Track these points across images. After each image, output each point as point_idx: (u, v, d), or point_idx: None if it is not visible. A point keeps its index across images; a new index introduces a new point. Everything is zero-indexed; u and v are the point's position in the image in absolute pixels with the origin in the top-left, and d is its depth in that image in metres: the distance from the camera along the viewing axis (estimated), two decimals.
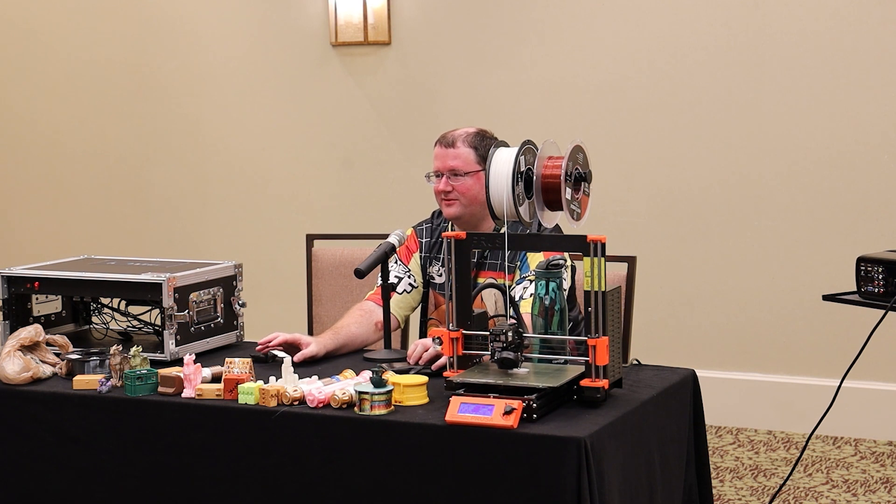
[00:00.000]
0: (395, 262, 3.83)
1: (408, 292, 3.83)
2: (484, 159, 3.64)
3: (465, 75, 5.94)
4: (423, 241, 3.86)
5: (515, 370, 2.95)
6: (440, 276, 3.81)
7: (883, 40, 5.27)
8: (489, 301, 3.67)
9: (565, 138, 3.14)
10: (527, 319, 3.24)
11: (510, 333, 2.93)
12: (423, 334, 3.90)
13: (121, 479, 3.20)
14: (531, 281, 3.55)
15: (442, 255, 3.79)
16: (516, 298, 3.57)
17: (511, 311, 3.18)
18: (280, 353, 3.50)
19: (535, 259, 3.60)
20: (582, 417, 2.85)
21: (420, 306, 3.91)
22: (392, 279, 3.78)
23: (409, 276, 3.84)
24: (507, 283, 3.63)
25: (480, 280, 3.71)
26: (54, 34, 6.75)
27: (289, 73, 6.28)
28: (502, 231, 3.10)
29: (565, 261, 3.19)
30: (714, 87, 5.54)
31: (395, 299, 3.79)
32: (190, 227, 6.57)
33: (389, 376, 3.03)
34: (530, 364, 3.04)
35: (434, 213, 3.90)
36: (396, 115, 6.10)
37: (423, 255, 3.85)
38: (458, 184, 3.66)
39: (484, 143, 3.68)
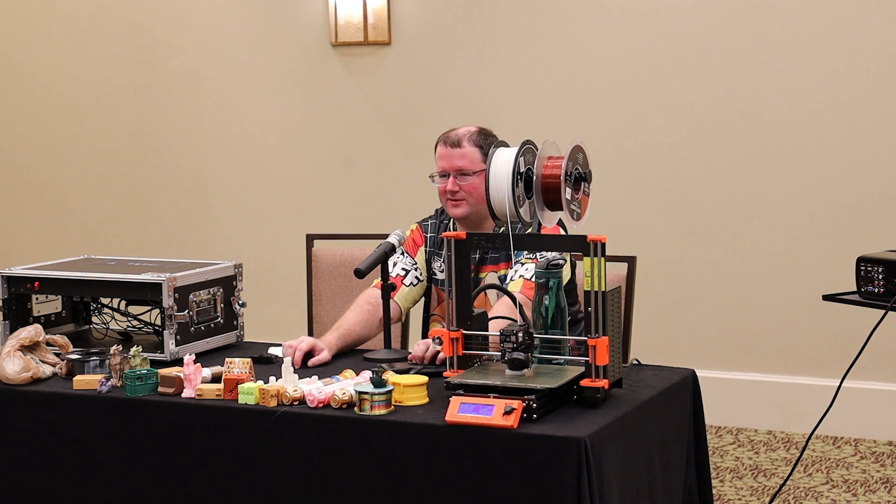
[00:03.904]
0: (402, 255, 3.85)
1: (413, 285, 3.84)
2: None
3: (465, 75, 5.95)
4: (428, 236, 3.87)
5: (515, 371, 2.95)
6: (442, 272, 3.82)
7: (883, 40, 5.27)
8: (492, 298, 3.68)
9: (565, 138, 3.14)
10: (519, 299, 3.27)
11: (520, 334, 2.93)
12: (425, 329, 3.92)
13: (121, 479, 3.20)
14: (522, 264, 3.57)
15: (443, 253, 3.80)
16: (506, 281, 3.59)
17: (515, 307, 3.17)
18: (279, 353, 3.50)
19: None
20: (582, 417, 2.85)
21: (423, 301, 3.92)
22: (399, 271, 3.80)
23: (415, 269, 3.85)
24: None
25: (482, 275, 3.72)
26: (54, 33, 6.74)
27: (289, 73, 6.28)
28: (502, 230, 3.10)
29: (564, 260, 3.20)
30: (714, 87, 5.54)
31: (401, 290, 3.80)
32: (190, 227, 6.57)
33: (389, 376, 3.03)
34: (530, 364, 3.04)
35: (438, 210, 3.90)
36: (396, 115, 6.10)
37: (427, 249, 3.87)
38: (465, 183, 3.66)
39: (488, 142, 3.69)
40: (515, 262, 3.63)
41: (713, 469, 4.87)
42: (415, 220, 3.99)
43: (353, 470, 2.94)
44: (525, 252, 3.60)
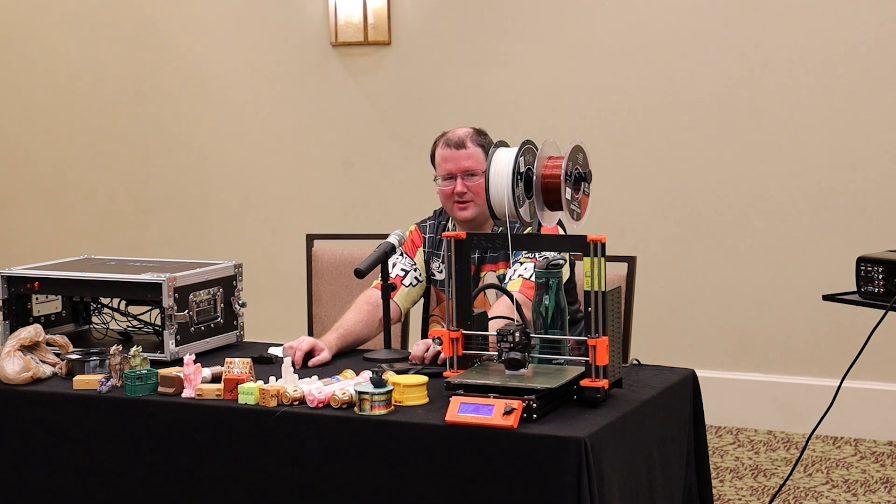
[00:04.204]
0: (402, 256, 3.85)
1: (413, 286, 3.85)
2: None
3: (465, 75, 5.94)
4: (427, 236, 3.88)
5: (512, 370, 2.95)
6: (440, 272, 3.83)
7: (883, 40, 5.27)
8: (491, 298, 3.68)
9: (565, 138, 3.14)
10: (518, 298, 3.27)
11: (517, 334, 2.93)
12: (424, 330, 3.92)
13: (121, 479, 3.20)
14: (521, 263, 3.57)
15: (442, 253, 3.81)
16: (505, 281, 3.59)
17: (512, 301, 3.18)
18: (279, 353, 3.50)
19: None
20: (582, 417, 2.85)
21: (422, 302, 3.93)
22: (398, 272, 3.81)
23: (414, 270, 3.85)
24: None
25: (482, 274, 3.73)
26: (54, 34, 6.75)
27: (289, 73, 6.28)
28: (500, 230, 3.10)
29: (564, 260, 3.20)
30: (714, 87, 5.54)
31: (401, 291, 3.81)
32: (190, 227, 6.57)
33: (389, 376, 3.03)
34: (530, 364, 3.04)
35: (436, 211, 3.91)
36: (396, 115, 6.10)
37: (426, 250, 3.87)
38: (473, 184, 3.68)
39: (487, 141, 3.72)
40: (514, 262, 3.64)
41: (713, 469, 4.87)
42: (415, 219, 4.00)
43: (353, 470, 2.94)
44: (523, 251, 3.60)
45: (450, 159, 3.70)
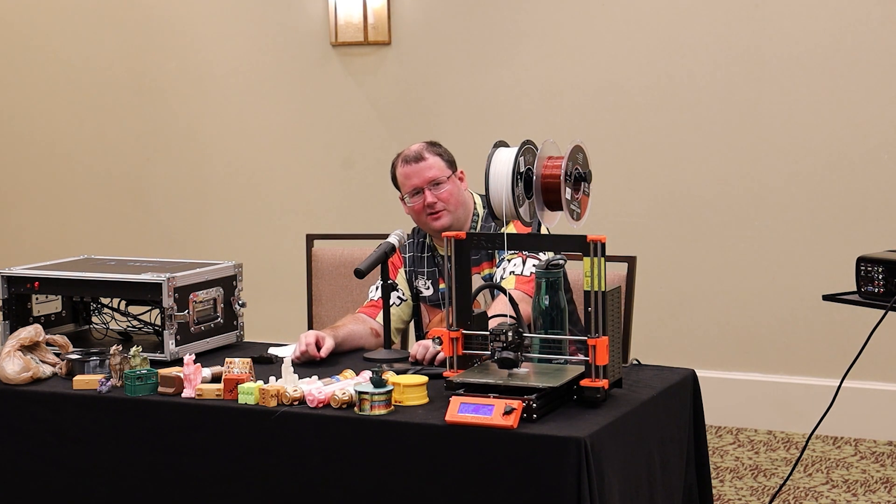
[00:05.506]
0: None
1: (397, 305, 3.85)
2: (450, 163, 3.73)
3: (465, 75, 5.94)
4: (407, 256, 3.88)
5: (515, 370, 2.95)
6: (427, 289, 3.83)
7: (883, 40, 5.27)
8: (480, 299, 3.68)
9: (565, 138, 3.14)
10: (515, 296, 3.27)
11: (510, 333, 2.94)
12: None
13: (121, 479, 3.20)
14: (509, 260, 3.59)
15: (425, 269, 3.82)
16: (497, 280, 3.59)
17: (506, 299, 3.17)
18: (279, 353, 3.50)
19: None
20: (582, 417, 2.85)
21: (414, 322, 3.94)
22: (379, 291, 3.78)
23: (397, 290, 3.85)
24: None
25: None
26: (54, 34, 6.75)
27: (289, 74, 6.28)
28: (500, 230, 3.10)
29: (564, 259, 3.21)
30: (714, 87, 5.54)
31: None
32: (190, 227, 6.57)
33: (389, 376, 3.03)
34: (530, 364, 3.04)
35: (413, 229, 3.91)
36: (396, 115, 6.10)
37: (407, 269, 3.87)
38: (441, 192, 3.70)
39: (442, 149, 3.77)
40: (501, 261, 3.65)
41: (713, 469, 4.87)
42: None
43: (353, 470, 2.94)
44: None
45: (412, 174, 3.71)
